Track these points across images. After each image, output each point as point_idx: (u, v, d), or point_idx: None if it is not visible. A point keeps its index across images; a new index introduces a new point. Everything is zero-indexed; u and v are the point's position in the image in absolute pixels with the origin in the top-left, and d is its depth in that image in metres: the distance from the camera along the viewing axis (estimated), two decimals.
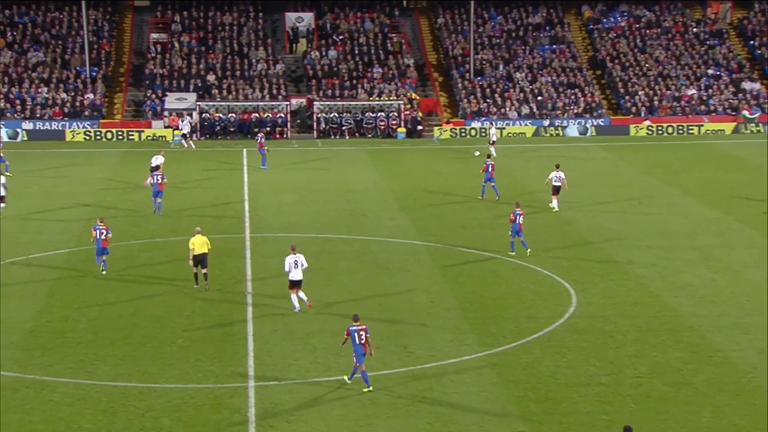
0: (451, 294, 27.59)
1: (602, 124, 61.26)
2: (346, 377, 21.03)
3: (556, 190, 37.90)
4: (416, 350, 23.14)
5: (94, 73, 61.24)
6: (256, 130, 55.93)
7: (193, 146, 54.05)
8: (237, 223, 36.14)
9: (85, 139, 56.79)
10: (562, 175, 37.93)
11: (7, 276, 28.71)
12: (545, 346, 23.51)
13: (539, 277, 29.32)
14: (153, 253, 31.49)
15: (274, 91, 61.16)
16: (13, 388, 20.49)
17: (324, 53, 64.82)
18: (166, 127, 58.27)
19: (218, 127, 58.49)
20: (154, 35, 65.25)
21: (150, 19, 66.70)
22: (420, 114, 60.79)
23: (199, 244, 27.24)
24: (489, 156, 43.49)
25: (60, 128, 57.59)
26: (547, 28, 68.27)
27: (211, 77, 61.68)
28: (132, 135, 57.68)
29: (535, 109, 61.86)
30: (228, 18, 66.62)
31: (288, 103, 59.88)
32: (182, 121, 55.19)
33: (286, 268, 25.46)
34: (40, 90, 59.60)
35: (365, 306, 26.34)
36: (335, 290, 27.72)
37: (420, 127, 60.18)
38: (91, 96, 59.55)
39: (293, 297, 25.70)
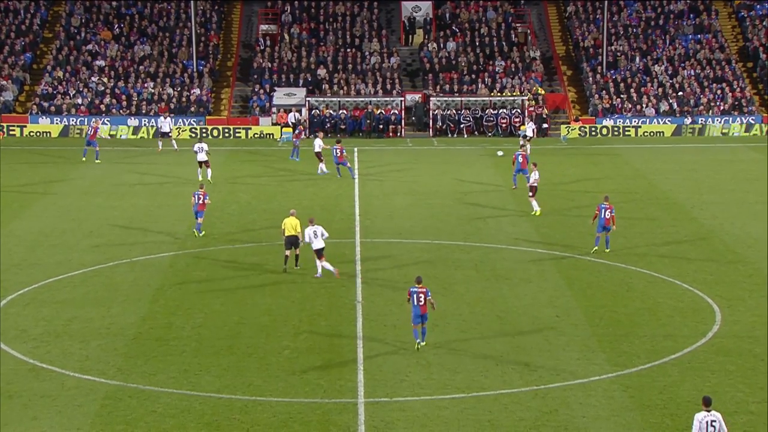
0: (578, 308, 27.22)
1: (753, 122, 59.37)
2: (417, 343, 23.72)
3: (534, 191, 38.11)
4: (539, 368, 22.92)
5: (201, 67, 62.98)
6: (293, 123, 56.65)
7: (176, 146, 53.20)
8: (347, 227, 36.53)
9: (191, 136, 58.40)
10: (537, 175, 38.20)
11: (110, 279, 29.79)
12: (685, 368, 22.94)
13: (678, 292, 28.63)
14: (260, 258, 32.12)
15: (388, 86, 61.59)
16: (116, 397, 21.23)
17: (442, 45, 64.90)
18: (273, 124, 59.42)
19: (328, 125, 59.28)
20: (263, 27, 66.64)
21: (259, 9, 68.15)
22: (546, 111, 60.19)
23: (291, 225, 29.81)
24: (522, 146, 45.20)
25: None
26: (691, 15, 66.59)
27: (321, 71, 62.59)
28: (239, 132, 59.04)
29: (675, 106, 60.43)
30: (341, 8, 67.44)
31: (402, 98, 60.21)
32: (164, 119, 54.35)
33: (307, 240, 29.14)
34: (146, 85, 61.65)
35: (484, 318, 26.27)
36: (451, 301, 27.72)
37: (546, 126, 59.59)
38: (197, 91, 61.25)
39: (318, 264, 29.19)
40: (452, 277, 30.08)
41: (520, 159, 41.79)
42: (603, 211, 31.70)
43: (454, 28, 66.16)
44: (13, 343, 24.11)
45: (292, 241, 29.82)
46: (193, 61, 62.92)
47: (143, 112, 60.14)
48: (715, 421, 16.68)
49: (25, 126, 58.54)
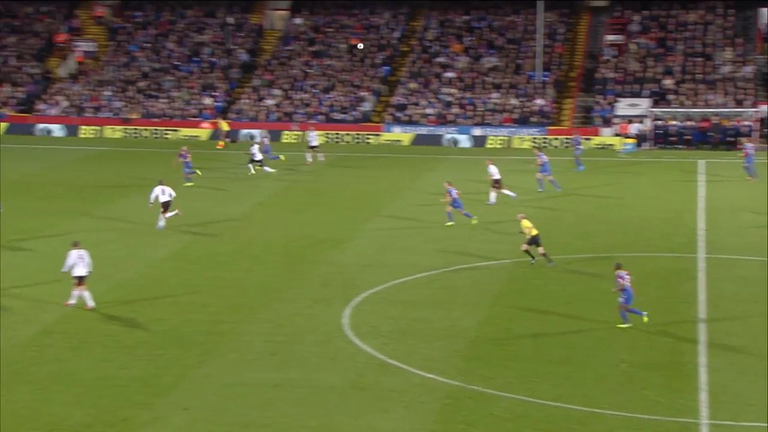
0: None
1: None
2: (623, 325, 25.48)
3: None
4: None
5: (545, 78, 63.25)
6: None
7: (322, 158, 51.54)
8: (689, 241, 35.10)
9: (532, 146, 58.80)
10: None
11: (452, 283, 30.68)
12: None
13: None
14: (597, 269, 31.61)
15: (740, 97, 58.39)
16: (456, 397, 21.79)
17: None
18: (615, 135, 58.38)
19: (673, 136, 57.27)
20: (609, 37, 65.70)
21: (607, 20, 67.25)
22: None
23: (530, 226, 31.70)
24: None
25: (508, 135, 60.26)
26: None
27: (668, 81, 60.61)
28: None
29: None
30: (692, 16, 64.94)
31: (756, 110, 56.83)
32: (312, 132, 52.31)
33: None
34: (491, 95, 62.95)
35: None
36: None
37: None
38: (540, 102, 61.57)
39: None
40: None
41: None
42: None
43: None
44: (365, 338, 25.44)
45: (536, 240, 31.65)
46: (538, 72, 63.33)
47: (487, 122, 61.39)
48: None
49: (380, 135, 61.76)
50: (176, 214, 37.15)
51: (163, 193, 36.73)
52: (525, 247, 31.99)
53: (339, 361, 23.77)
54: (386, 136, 61.49)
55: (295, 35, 69.81)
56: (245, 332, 25.70)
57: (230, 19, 70.73)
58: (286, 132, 61.50)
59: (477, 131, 60.62)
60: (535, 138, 59.36)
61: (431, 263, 32.73)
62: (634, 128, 57.88)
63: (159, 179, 38.12)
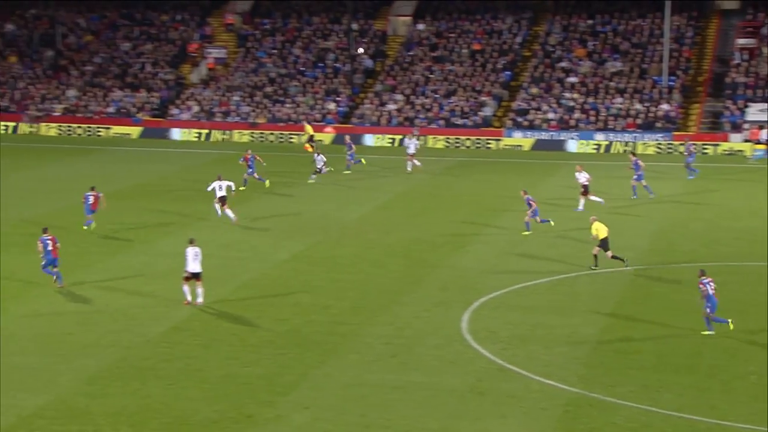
0: None
1: None
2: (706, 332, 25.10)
3: None
4: None
5: (672, 83, 61.74)
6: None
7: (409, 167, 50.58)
8: None
9: (656, 152, 57.51)
10: None
11: (573, 289, 30.25)
12: None
13: None
14: (723, 278, 30.65)
15: None
16: (577, 404, 21.50)
17: None
18: (745, 141, 56.57)
19: None
20: (740, 41, 63.68)
21: (738, 23, 65.22)
22: None
23: (603, 229, 31.20)
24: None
25: (632, 140, 59.05)
26: None
27: None
28: (707, 149, 56.97)
29: None
30: None
31: None
32: (410, 139, 51.26)
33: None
34: (615, 100, 61.81)
35: None
36: None
37: None
38: (665, 107, 60.15)
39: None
40: None
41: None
42: None
43: None
44: (484, 343, 25.36)
45: (604, 244, 31.38)
46: (664, 77, 61.87)
47: (610, 127, 60.32)
48: None
49: (501, 140, 61.43)
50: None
51: (220, 188, 38.63)
52: (611, 255, 31.50)
53: (458, 365, 23.75)
54: (507, 141, 61.13)
55: (417, 41, 70.10)
56: (365, 334, 25.94)
57: (354, 26, 71.51)
58: (378, 136, 61.88)
59: (599, 136, 59.63)
60: (659, 143, 58.01)
61: (551, 269, 32.39)
62: (765, 134, 55.95)
63: (218, 174, 39.59)
